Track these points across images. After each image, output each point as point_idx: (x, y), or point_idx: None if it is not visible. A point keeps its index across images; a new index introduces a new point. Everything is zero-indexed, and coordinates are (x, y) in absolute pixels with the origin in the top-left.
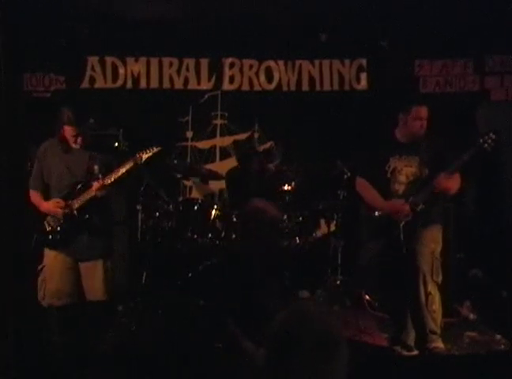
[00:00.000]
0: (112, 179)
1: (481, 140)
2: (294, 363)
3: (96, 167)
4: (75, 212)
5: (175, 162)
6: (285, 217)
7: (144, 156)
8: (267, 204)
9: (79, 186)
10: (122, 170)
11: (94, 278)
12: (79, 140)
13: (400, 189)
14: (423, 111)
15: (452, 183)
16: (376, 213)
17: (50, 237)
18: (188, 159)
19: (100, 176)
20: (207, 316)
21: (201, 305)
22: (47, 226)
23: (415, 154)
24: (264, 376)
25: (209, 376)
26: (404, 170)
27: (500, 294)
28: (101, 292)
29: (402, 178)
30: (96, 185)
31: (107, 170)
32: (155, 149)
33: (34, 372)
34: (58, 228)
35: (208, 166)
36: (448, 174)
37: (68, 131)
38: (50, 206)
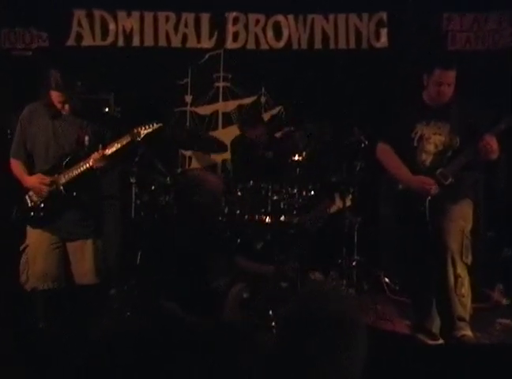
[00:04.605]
0: (114, 150)
1: None
2: (309, 348)
3: (86, 138)
4: (61, 187)
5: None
6: (295, 191)
7: (143, 132)
8: (207, 173)
9: (67, 159)
10: (118, 145)
11: (83, 259)
12: (66, 107)
13: (428, 159)
14: (449, 76)
15: (496, 146)
16: (399, 186)
17: (33, 214)
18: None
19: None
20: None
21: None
22: (28, 201)
23: (445, 120)
24: (277, 360)
25: (211, 364)
26: (433, 139)
27: None
28: (91, 275)
29: (430, 147)
30: (95, 155)
31: (99, 142)
32: (155, 125)
33: (17, 362)
34: (42, 205)
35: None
36: (493, 135)
37: (55, 97)
38: (34, 181)
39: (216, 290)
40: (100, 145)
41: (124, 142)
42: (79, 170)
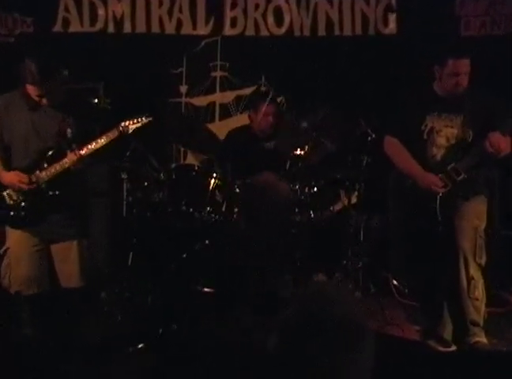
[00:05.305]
0: (91, 149)
1: None
2: (311, 351)
3: (68, 131)
4: (43, 185)
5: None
6: (297, 187)
7: (132, 127)
8: (278, 178)
9: (49, 154)
10: (103, 140)
11: (68, 261)
12: (44, 100)
13: (439, 153)
14: (463, 65)
15: (506, 144)
16: (408, 183)
17: (12, 213)
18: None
19: (74, 146)
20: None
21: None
22: (7, 199)
23: (457, 112)
24: (278, 364)
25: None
26: (444, 131)
27: None
28: (77, 278)
29: (441, 141)
30: (70, 156)
31: (83, 135)
32: (144, 120)
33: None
34: (22, 203)
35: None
36: (503, 133)
37: (31, 90)
38: (12, 179)
39: (282, 300)
40: (73, 143)
41: (111, 137)
42: (60, 168)
